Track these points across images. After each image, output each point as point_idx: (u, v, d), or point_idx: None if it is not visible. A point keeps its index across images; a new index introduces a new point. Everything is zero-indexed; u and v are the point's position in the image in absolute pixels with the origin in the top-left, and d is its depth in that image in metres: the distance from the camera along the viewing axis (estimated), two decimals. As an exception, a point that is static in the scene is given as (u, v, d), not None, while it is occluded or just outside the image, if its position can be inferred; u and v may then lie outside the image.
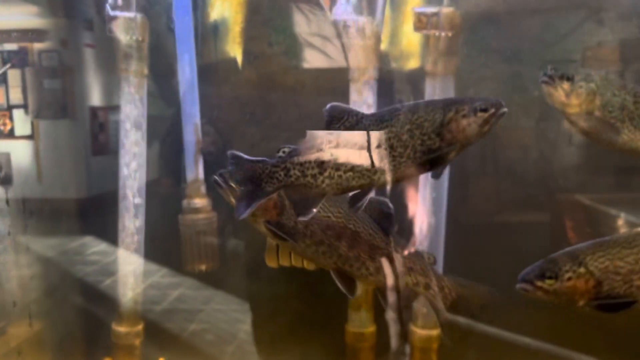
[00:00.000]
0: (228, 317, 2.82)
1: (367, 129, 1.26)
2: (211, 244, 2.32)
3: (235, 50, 2.35)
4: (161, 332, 2.68)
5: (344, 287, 1.48)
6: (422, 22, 1.89)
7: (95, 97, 2.83)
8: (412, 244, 1.96)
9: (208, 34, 2.36)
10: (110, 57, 2.24)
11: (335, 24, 2.16)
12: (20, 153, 2.77)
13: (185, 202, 2.32)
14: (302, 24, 2.27)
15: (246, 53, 2.35)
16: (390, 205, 1.49)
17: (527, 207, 2.43)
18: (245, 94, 2.36)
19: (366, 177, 1.26)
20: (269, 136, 2.36)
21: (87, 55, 2.80)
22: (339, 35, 2.05)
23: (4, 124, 2.77)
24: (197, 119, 2.27)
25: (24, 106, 2.76)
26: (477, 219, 2.50)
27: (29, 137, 2.80)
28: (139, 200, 2.23)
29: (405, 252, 1.53)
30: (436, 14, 1.84)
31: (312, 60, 2.31)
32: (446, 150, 1.22)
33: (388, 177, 1.26)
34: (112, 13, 2.01)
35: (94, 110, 2.82)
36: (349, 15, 1.97)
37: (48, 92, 2.74)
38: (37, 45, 2.77)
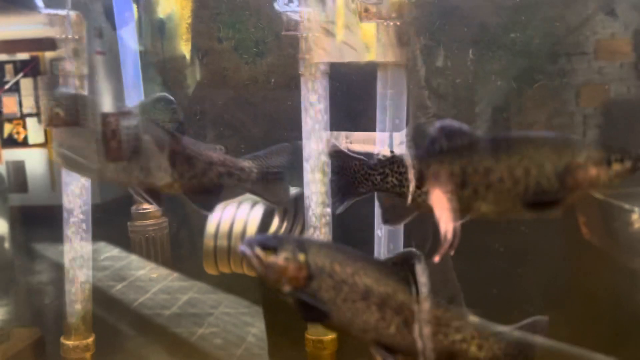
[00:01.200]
0: (187, 321, 2.74)
1: (476, 154, 1.15)
2: (162, 250, 2.22)
3: (182, 46, 2.25)
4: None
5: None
6: (368, 12, 1.78)
7: (107, 104, 2.78)
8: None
9: (153, 30, 2.26)
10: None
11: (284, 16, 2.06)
12: (34, 161, 2.71)
13: (133, 208, 2.22)
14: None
15: (194, 49, 2.25)
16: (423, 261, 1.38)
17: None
18: (194, 91, 2.26)
19: (463, 203, 1.17)
20: (221, 135, 2.26)
21: (98, 62, 2.74)
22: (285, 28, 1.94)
23: (18, 133, 2.74)
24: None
25: (37, 114, 2.71)
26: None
27: (43, 145, 2.77)
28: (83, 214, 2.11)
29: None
30: (381, 2, 1.74)
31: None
32: (563, 196, 1.07)
33: (486, 209, 1.16)
34: (44, 11, 1.91)
35: (105, 117, 2.76)
36: (294, 7, 1.86)
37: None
38: (49, 54, 2.75)
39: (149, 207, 2.17)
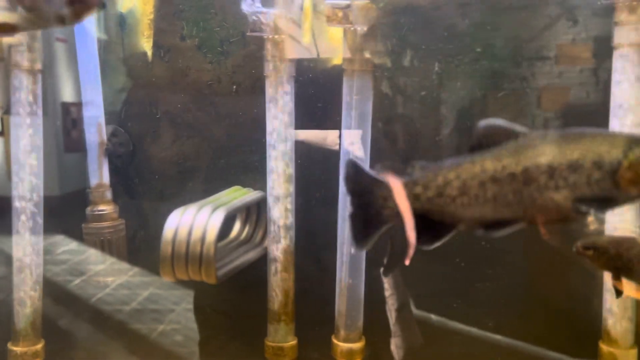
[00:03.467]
0: (147, 317, 2.67)
1: (521, 153, 1.01)
2: (118, 254, 2.14)
3: (144, 44, 2.18)
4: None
5: None
6: (336, 16, 1.76)
7: (68, 93, 2.64)
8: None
9: (114, 27, 2.18)
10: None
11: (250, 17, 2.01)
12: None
13: (88, 210, 2.13)
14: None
15: (156, 47, 2.18)
16: None
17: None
18: (156, 91, 2.19)
19: (510, 209, 1.01)
20: (181, 135, 2.20)
21: (58, 50, 2.60)
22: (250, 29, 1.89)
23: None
24: (101, 119, 2.08)
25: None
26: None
27: (-1, 134, 2.61)
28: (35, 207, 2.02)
29: None
30: (349, 7, 1.72)
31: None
32: (617, 197, 0.98)
33: (533, 212, 1.03)
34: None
35: (66, 107, 2.62)
36: (258, 8, 1.82)
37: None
38: (7, 40, 2.60)
39: (105, 209, 2.09)
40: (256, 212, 2.12)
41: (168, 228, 1.53)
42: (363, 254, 2.01)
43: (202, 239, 1.50)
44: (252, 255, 1.96)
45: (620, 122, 1.80)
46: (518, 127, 1.03)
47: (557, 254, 1.97)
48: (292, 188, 1.98)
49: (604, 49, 1.91)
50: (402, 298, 2.37)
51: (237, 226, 2.14)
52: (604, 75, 1.99)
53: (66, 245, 2.67)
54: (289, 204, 1.98)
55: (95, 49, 2.06)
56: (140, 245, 2.28)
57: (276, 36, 1.88)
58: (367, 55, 1.82)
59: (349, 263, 2.01)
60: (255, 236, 2.11)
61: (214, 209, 1.58)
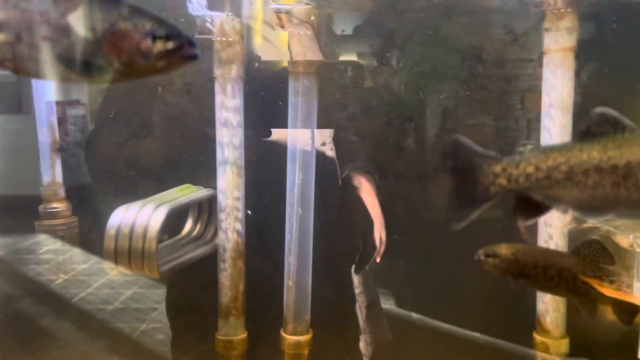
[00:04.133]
0: (129, 316, 2.70)
1: (626, 147, 1.04)
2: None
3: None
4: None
5: None
6: (282, 20, 1.82)
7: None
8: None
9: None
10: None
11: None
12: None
13: (41, 207, 2.16)
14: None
15: (109, 48, 2.21)
16: None
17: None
18: (109, 89, 2.23)
19: (606, 199, 1.04)
20: (135, 135, 2.24)
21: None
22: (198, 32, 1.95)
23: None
24: (53, 117, 2.12)
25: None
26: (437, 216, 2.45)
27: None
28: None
29: None
30: (291, 12, 1.79)
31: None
32: None
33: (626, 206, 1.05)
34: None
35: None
36: (204, 11, 1.88)
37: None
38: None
39: (58, 206, 2.13)
40: (208, 210, 2.17)
41: (111, 224, 1.58)
42: (310, 251, 2.09)
43: (144, 235, 1.56)
44: (201, 251, 2.01)
45: (552, 121, 1.91)
46: (627, 121, 1.07)
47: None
48: (242, 185, 2.04)
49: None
50: (372, 295, 2.45)
51: (189, 224, 2.19)
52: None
53: (49, 245, 2.68)
54: (239, 201, 2.04)
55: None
56: (94, 243, 2.32)
57: (224, 38, 1.94)
58: (313, 57, 1.89)
59: (296, 259, 2.09)
60: (206, 233, 2.17)
61: (157, 206, 1.64)
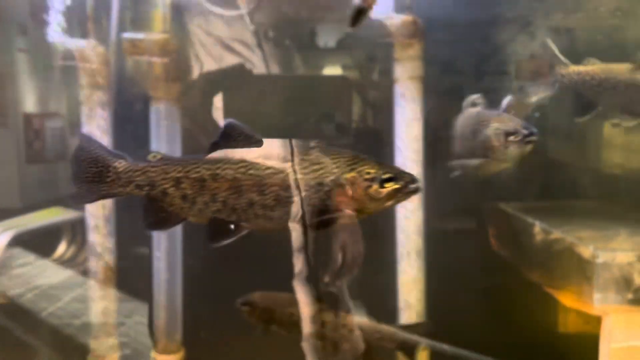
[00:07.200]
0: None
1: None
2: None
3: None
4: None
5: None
6: (134, 48, 1.87)
7: (30, 104, 2.61)
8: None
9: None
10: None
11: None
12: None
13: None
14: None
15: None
16: None
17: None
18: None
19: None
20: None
21: (20, 60, 2.57)
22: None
23: None
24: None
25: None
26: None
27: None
28: None
29: None
30: (142, 40, 1.84)
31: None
32: None
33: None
34: None
35: (28, 117, 2.59)
36: (66, 39, 1.92)
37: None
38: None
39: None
40: (81, 233, 2.19)
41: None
42: (179, 271, 2.12)
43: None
44: (68, 274, 2.02)
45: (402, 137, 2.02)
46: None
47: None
48: (109, 208, 2.06)
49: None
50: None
51: (62, 246, 2.21)
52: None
53: (23, 258, 2.61)
54: (107, 223, 2.06)
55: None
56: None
57: (87, 65, 1.98)
58: (171, 85, 1.94)
59: (165, 281, 2.12)
60: (79, 256, 2.18)
61: (3, 231, 1.65)
